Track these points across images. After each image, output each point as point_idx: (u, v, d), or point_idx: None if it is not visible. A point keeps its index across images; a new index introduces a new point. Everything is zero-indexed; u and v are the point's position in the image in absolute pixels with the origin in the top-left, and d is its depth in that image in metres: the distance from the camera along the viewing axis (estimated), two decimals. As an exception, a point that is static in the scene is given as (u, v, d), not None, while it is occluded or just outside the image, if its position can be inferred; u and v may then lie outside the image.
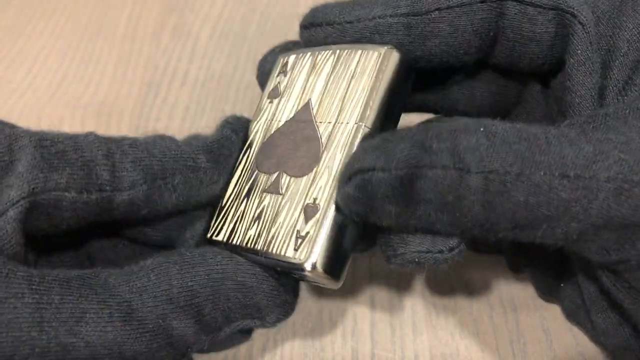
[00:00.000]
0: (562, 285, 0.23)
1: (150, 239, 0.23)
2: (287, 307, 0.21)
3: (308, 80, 0.23)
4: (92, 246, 0.23)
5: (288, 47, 0.26)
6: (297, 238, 0.19)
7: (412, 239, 0.20)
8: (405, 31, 0.21)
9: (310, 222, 0.19)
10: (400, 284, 0.28)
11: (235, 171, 0.23)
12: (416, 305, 0.27)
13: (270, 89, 0.24)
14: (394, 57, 0.21)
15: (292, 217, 0.20)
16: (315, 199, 0.20)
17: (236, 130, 0.23)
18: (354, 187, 0.19)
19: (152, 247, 0.23)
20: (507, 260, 0.26)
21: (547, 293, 0.25)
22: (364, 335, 0.26)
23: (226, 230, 0.22)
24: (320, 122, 0.21)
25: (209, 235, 0.22)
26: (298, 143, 0.21)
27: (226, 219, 0.22)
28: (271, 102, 0.23)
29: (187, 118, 0.36)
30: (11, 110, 0.38)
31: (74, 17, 0.43)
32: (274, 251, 0.20)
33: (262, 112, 0.24)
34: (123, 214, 0.20)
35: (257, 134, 0.23)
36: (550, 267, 0.24)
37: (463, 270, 0.29)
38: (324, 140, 0.21)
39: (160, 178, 0.20)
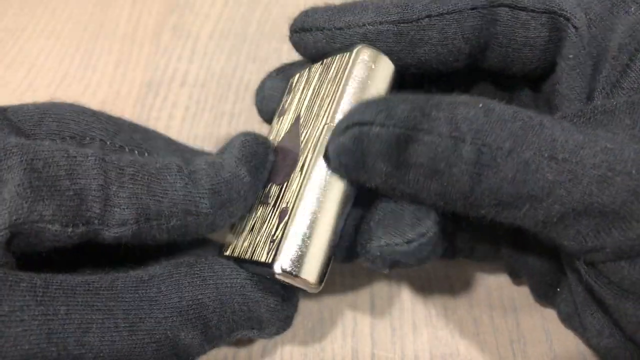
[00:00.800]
0: (558, 290, 0.24)
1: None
2: (287, 322, 0.21)
3: (302, 93, 0.23)
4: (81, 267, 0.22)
5: (284, 69, 0.26)
6: (270, 242, 0.20)
7: (377, 233, 0.20)
8: (395, 38, 0.21)
9: (281, 225, 0.19)
10: (400, 284, 0.28)
11: None
12: (416, 305, 0.27)
13: (279, 109, 0.25)
14: (365, 55, 0.21)
15: (271, 224, 0.20)
16: (287, 202, 0.20)
17: (251, 170, 0.21)
18: (350, 138, 0.19)
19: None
20: (505, 265, 0.26)
21: (544, 298, 0.25)
22: (364, 336, 0.26)
23: (232, 246, 0.22)
24: (303, 130, 0.22)
25: (225, 253, 0.22)
26: (286, 154, 0.22)
27: (233, 234, 0.23)
28: (278, 121, 0.24)
29: (187, 118, 0.36)
30: (11, 110, 0.38)
31: (74, 17, 0.43)
32: (254, 258, 0.20)
33: (271, 131, 0.24)
34: (108, 244, 0.19)
35: None
36: (547, 272, 0.24)
37: (463, 270, 0.28)
38: (302, 146, 0.21)
39: (154, 219, 0.19)
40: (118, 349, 0.17)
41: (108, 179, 0.18)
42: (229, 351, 0.26)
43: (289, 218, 0.19)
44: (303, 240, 0.19)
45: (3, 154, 0.17)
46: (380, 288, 0.28)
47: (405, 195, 0.19)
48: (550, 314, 0.27)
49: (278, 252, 0.19)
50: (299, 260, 0.19)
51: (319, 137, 0.20)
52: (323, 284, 0.20)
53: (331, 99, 0.21)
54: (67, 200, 0.17)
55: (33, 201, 0.17)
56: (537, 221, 0.18)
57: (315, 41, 0.23)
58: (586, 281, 0.20)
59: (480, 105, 0.18)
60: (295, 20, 0.24)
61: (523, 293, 0.27)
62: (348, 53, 0.21)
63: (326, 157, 0.20)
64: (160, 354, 0.18)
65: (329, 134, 0.20)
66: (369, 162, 0.19)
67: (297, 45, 0.24)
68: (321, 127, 0.20)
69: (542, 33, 0.21)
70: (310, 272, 0.19)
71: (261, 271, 0.20)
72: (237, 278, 0.20)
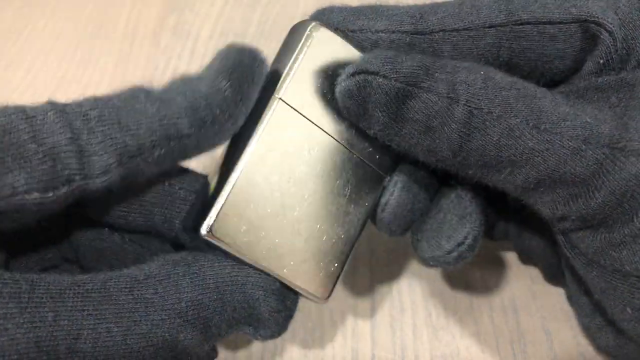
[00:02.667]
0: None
1: (131, 224, 0.21)
2: (284, 325, 0.21)
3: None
4: (74, 236, 0.21)
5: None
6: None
7: (422, 247, 0.22)
8: (407, 48, 0.21)
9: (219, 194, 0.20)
10: (400, 284, 0.28)
11: None
12: (416, 306, 0.27)
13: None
14: (316, 33, 0.21)
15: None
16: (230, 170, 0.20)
17: (233, 82, 0.19)
18: (355, 84, 0.19)
19: (135, 232, 0.22)
20: (514, 246, 0.26)
21: (554, 278, 0.26)
22: (364, 336, 0.26)
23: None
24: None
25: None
26: None
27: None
28: None
29: (187, 118, 0.36)
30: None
31: (74, 17, 0.43)
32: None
33: None
34: (99, 196, 0.18)
35: None
36: (554, 254, 0.24)
37: (463, 270, 0.28)
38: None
39: (137, 155, 0.18)
40: (112, 354, 0.17)
41: (75, 129, 0.17)
42: (228, 351, 0.26)
43: (226, 185, 0.20)
44: (226, 203, 0.19)
45: None
46: (380, 288, 0.28)
47: (401, 147, 0.21)
48: (550, 314, 0.27)
49: (208, 215, 0.19)
50: (219, 219, 0.19)
51: (267, 110, 0.20)
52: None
53: (285, 73, 0.21)
54: (38, 165, 0.16)
55: (1, 176, 0.16)
56: (516, 186, 0.20)
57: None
58: (565, 252, 0.21)
59: (482, 72, 0.19)
60: (311, 17, 0.23)
61: (523, 293, 0.27)
62: (305, 30, 0.21)
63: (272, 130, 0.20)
64: (159, 357, 0.18)
65: (273, 105, 0.20)
66: (370, 109, 0.20)
67: None
68: (271, 100, 0.21)
69: (574, 43, 0.21)
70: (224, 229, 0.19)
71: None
72: (238, 276, 0.20)
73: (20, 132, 0.16)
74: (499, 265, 0.28)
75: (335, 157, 0.22)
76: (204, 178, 0.22)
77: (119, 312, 0.17)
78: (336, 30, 0.22)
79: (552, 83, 0.23)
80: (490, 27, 0.21)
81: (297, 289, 0.21)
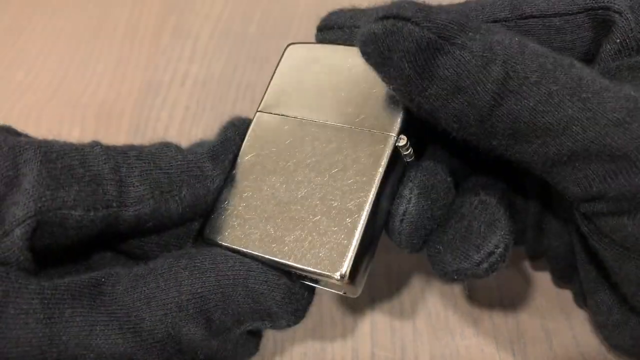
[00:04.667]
0: (577, 268, 0.23)
1: (147, 254, 0.22)
2: (298, 314, 0.21)
3: None
4: (92, 259, 0.22)
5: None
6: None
7: (447, 258, 0.21)
8: None
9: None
10: (400, 285, 0.28)
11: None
12: (416, 306, 0.27)
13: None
14: (291, 50, 0.24)
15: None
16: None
17: (240, 133, 0.23)
18: (382, 28, 0.18)
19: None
20: (526, 247, 0.26)
21: (563, 279, 0.25)
22: (364, 336, 0.26)
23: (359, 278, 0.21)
24: None
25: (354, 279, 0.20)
26: None
27: (362, 261, 0.21)
28: None
29: (187, 118, 0.36)
30: (11, 110, 0.38)
31: (74, 17, 0.43)
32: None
33: None
34: (128, 229, 0.20)
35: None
36: (567, 254, 0.24)
37: (463, 271, 0.28)
38: None
39: (167, 191, 0.20)
40: (122, 350, 0.17)
41: (117, 162, 0.19)
42: (228, 351, 0.26)
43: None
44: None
45: (18, 150, 0.18)
46: (380, 288, 0.28)
47: (422, 110, 0.19)
48: (550, 314, 0.27)
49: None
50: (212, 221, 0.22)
51: (250, 124, 0.23)
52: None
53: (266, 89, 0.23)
54: (85, 186, 0.18)
55: (55, 188, 0.17)
56: (547, 158, 0.18)
57: (336, 38, 0.23)
58: (590, 245, 0.20)
59: (517, 38, 0.18)
60: (322, 20, 0.24)
61: (523, 293, 0.27)
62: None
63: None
64: (165, 352, 0.18)
65: (256, 118, 0.23)
66: (395, 58, 0.18)
67: (321, 42, 0.24)
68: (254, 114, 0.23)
69: (583, 34, 0.21)
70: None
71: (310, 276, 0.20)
72: (240, 270, 0.20)
73: (71, 158, 0.18)
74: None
75: (331, 137, 0.21)
76: None
77: (127, 310, 0.18)
78: (343, 28, 0.23)
79: None
80: (495, 21, 0.21)
81: (312, 276, 0.20)
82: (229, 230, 0.21)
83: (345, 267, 0.19)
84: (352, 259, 0.19)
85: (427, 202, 0.21)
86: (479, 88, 0.18)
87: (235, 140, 0.23)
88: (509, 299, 0.27)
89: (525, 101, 0.18)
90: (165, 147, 0.21)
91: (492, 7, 0.21)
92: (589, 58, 0.21)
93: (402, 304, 0.28)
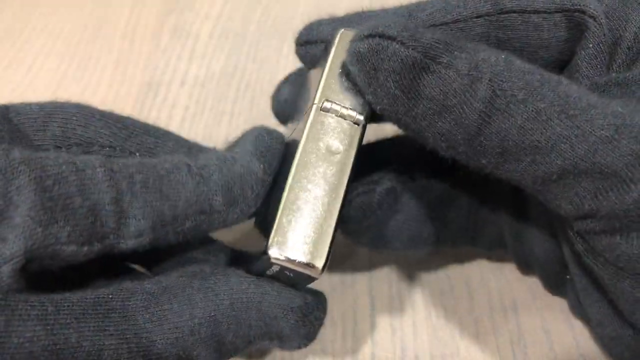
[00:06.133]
0: (567, 277, 0.23)
1: (152, 263, 0.22)
2: (310, 337, 0.20)
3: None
4: (94, 274, 0.21)
5: (300, 73, 0.26)
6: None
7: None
8: None
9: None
10: (400, 284, 0.28)
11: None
12: (416, 306, 0.27)
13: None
14: (345, 37, 0.21)
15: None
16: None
17: (265, 165, 0.20)
18: (367, 47, 0.18)
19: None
20: (513, 256, 0.26)
21: (554, 287, 0.25)
22: (364, 336, 0.26)
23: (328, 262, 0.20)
24: (303, 118, 0.22)
25: (326, 264, 0.19)
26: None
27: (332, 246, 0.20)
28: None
29: (187, 118, 0.36)
30: (11, 110, 0.38)
31: (73, 17, 0.43)
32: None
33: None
34: (124, 254, 0.19)
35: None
36: (555, 261, 0.23)
37: (463, 270, 0.28)
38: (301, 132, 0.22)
39: (169, 224, 0.18)
40: None
41: (120, 190, 0.17)
42: (228, 351, 0.26)
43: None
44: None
45: (10, 174, 0.16)
46: (380, 288, 0.28)
47: (409, 129, 0.19)
48: (551, 314, 0.27)
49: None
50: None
51: (308, 118, 0.20)
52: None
53: (318, 82, 0.21)
54: (81, 219, 0.17)
55: (47, 224, 0.16)
56: (536, 177, 0.18)
57: (320, 53, 0.23)
58: (584, 262, 0.20)
59: (503, 55, 0.18)
60: (300, 33, 0.23)
61: (523, 294, 0.27)
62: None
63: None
64: None
65: (315, 113, 0.20)
66: (380, 77, 0.18)
67: (302, 57, 0.24)
68: (310, 109, 0.20)
69: (558, 33, 0.21)
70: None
71: (264, 265, 0.19)
72: (254, 293, 0.19)
73: (69, 184, 0.16)
74: (499, 265, 0.28)
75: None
76: (226, 251, 0.23)
77: (137, 332, 0.17)
78: (325, 42, 0.22)
79: None
80: (477, 17, 0.21)
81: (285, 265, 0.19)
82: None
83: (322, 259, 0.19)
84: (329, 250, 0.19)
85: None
86: (465, 107, 0.18)
87: (257, 174, 0.20)
88: (509, 299, 0.27)
89: (513, 119, 0.17)
90: (177, 170, 0.19)
91: (474, 1, 0.21)
92: (564, 58, 0.21)
93: (402, 304, 0.27)
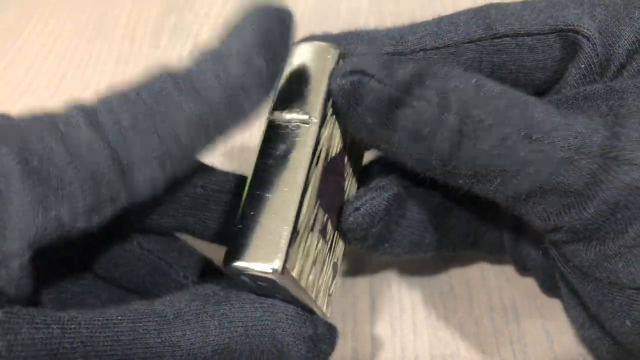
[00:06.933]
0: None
1: (163, 227, 0.21)
2: None
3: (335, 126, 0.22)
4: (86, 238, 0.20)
5: None
6: (328, 295, 0.21)
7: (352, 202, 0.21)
8: None
9: (334, 283, 0.21)
10: (400, 284, 0.28)
11: (308, 184, 0.19)
12: (416, 306, 0.27)
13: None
14: (299, 49, 0.21)
15: (328, 272, 0.21)
16: (337, 259, 0.21)
17: (272, 59, 0.18)
18: (349, 83, 0.19)
19: (165, 233, 0.22)
20: (510, 258, 0.26)
21: (549, 289, 0.26)
22: (364, 336, 0.26)
23: (300, 265, 0.19)
24: (346, 177, 0.22)
25: (288, 265, 0.18)
26: (338, 191, 0.21)
27: (298, 250, 0.19)
28: (331, 114, 0.22)
29: (187, 118, 0.36)
30: (11, 110, 0.38)
31: (73, 17, 0.43)
32: (318, 302, 0.20)
33: (326, 122, 0.21)
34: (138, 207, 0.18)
35: (321, 148, 0.20)
36: (549, 265, 0.24)
37: (463, 270, 0.28)
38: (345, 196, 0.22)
39: (178, 160, 0.17)
40: None
41: (113, 144, 0.16)
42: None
43: (338, 281, 0.21)
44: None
45: None
46: (380, 288, 0.28)
47: (389, 155, 0.20)
48: (551, 314, 0.27)
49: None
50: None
51: (261, 130, 0.20)
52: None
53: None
54: (80, 192, 0.15)
55: (45, 210, 0.15)
56: (507, 196, 0.19)
57: None
58: (558, 266, 0.21)
59: (474, 80, 0.19)
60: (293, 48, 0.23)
61: (523, 294, 0.27)
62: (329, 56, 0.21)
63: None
64: None
65: (266, 123, 0.20)
66: (359, 111, 0.19)
67: None
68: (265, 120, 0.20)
69: (553, 53, 0.21)
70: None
71: (231, 278, 0.19)
72: (269, 320, 0.19)
73: (57, 156, 0.15)
74: (499, 265, 0.28)
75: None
76: (235, 177, 0.22)
77: (147, 356, 0.16)
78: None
79: (535, 94, 0.23)
80: (469, 42, 0.21)
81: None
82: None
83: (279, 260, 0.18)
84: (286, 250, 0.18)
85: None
86: (437, 135, 0.19)
87: (262, 74, 0.18)
88: (509, 299, 0.27)
89: (481, 145, 0.18)
90: (163, 91, 0.17)
91: (466, 26, 0.21)
92: (559, 76, 0.22)
93: (402, 304, 0.28)
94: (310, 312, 0.20)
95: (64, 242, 0.16)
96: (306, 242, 0.19)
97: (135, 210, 0.18)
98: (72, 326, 0.15)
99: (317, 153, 0.20)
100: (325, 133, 0.20)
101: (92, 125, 0.16)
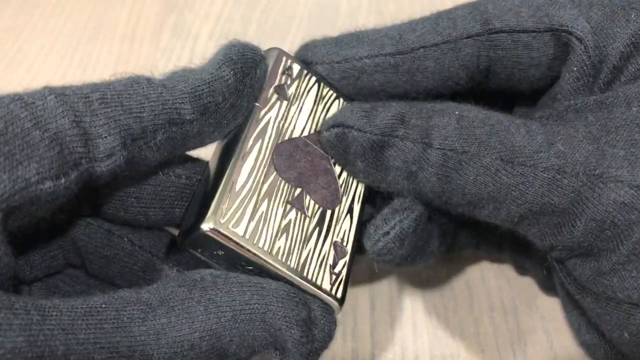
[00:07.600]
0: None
1: (152, 220, 0.21)
2: (311, 358, 0.19)
3: (316, 109, 0.23)
4: (81, 242, 0.21)
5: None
6: (331, 274, 0.21)
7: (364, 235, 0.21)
8: (392, 69, 0.22)
9: (341, 263, 0.21)
10: (400, 285, 0.28)
11: (248, 154, 0.20)
12: (416, 306, 0.27)
13: (276, 84, 0.22)
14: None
15: (323, 249, 0.21)
16: (342, 240, 0.22)
17: (237, 72, 0.19)
18: (334, 136, 0.21)
19: (155, 228, 0.22)
20: (510, 259, 0.27)
21: (550, 289, 0.26)
22: (364, 336, 0.26)
23: (246, 225, 0.19)
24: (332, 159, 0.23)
25: (222, 220, 0.18)
26: (317, 170, 0.22)
27: (244, 211, 0.19)
28: (279, 100, 0.22)
29: (187, 118, 0.36)
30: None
31: (73, 17, 0.43)
32: (309, 276, 0.20)
33: (271, 105, 0.22)
34: (105, 182, 0.18)
35: (270, 127, 0.21)
36: (545, 264, 0.24)
37: (464, 271, 0.28)
38: (340, 182, 0.22)
39: (139, 138, 0.18)
40: None
41: (77, 112, 0.16)
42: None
43: (349, 261, 0.21)
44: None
45: None
46: (380, 288, 0.28)
47: (389, 192, 0.21)
48: (550, 314, 0.27)
49: (343, 291, 0.21)
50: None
51: (363, 193, 0.23)
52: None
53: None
54: (46, 152, 0.16)
55: (11, 169, 0.15)
56: (502, 220, 0.20)
57: (316, 72, 0.23)
58: (559, 277, 0.21)
59: (457, 112, 0.20)
60: (296, 54, 0.24)
61: (523, 294, 0.27)
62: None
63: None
64: None
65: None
66: (350, 159, 0.21)
67: None
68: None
69: (547, 51, 0.21)
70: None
71: (310, 291, 0.20)
72: (258, 304, 0.18)
73: (22, 120, 0.15)
74: (499, 265, 0.28)
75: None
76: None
77: (131, 345, 0.16)
78: (323, 64, 0.23)
79: (531, 92, 0.23)
80: (467, 37, 0.21)
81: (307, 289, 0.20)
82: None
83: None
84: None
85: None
86: (425, 172, 0.20)
87: (228, 81, 0.19)
88: (509, 299, 0.27)
89: (466, 175, 0.19)
90: (135, 84, 0.18)
91: (464, 22, 0.22)
92: (554, 74, 0.22)
93: (402, 304, 0.27)
94: (306, 293, 0.20)
95: (40, 214, 0.17)
96: (257, 206, 0.19)
97: (117, 203, 0.19)
98: (54, 313, 0.15)
99: (262, 129, 0.21)
100: (272, 114, 0.21)
101: (59, 96, 0.17)
